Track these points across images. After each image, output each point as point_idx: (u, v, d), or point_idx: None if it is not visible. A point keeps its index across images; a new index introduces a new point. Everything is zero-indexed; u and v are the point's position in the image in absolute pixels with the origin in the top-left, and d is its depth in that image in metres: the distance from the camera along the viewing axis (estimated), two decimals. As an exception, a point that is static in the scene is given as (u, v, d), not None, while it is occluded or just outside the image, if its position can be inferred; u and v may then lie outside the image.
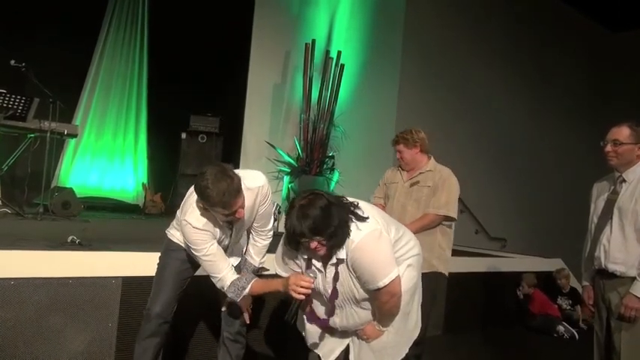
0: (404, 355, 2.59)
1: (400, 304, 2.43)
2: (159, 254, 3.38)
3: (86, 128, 6.71)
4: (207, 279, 2.84)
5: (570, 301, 6.09)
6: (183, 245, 2.70)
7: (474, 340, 5.17)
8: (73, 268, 3.11)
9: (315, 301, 2.53)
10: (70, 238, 3.51)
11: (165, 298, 2.69)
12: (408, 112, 7.85)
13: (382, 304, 2.38)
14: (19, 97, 4.59)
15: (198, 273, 2.84)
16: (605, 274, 2.89)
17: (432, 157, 3.64)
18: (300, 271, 2.44)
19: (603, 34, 11.19)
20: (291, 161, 7.18)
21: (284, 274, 2.49)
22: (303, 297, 2.34)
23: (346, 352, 2.62)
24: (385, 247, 2.34)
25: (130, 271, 3.28)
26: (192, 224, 2.51)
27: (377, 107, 7.81)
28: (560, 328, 5.62)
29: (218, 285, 2.58)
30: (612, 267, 2.83)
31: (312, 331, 2.65)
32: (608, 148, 2.87)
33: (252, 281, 2.55)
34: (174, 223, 2.80)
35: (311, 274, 2.37)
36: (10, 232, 3.71)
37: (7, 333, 2.87)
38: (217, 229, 2.58)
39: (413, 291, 2.57)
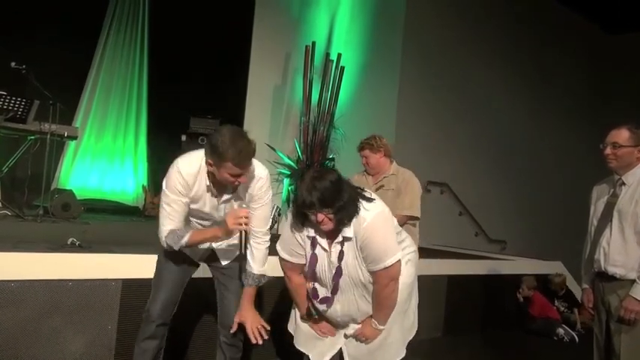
0: (403, 354, 2.59)
1: (397, 292, 2.45)
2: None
3: (86, 130, 6.71)
4: (205, 281, 2.85)
5: (567, 304, 6.09)
6: None
7: (473, 343, 5.17)
8: (73, 271, 3.12)
9: (317, 284, 2.53)
10: (70, 240, 3.51)
11: (164, 300, 2.68)
12: (408, 114, 7.86)
13: (381, 288, 2.40)
14: (19, 99, 4.59)
15: (197, 275, 2.84)
16: (604, 276, 2.89)
17: (395, 162, 3.83)
18: (303, 253, 2.47)
19: (602, 35, 11.20)
20: (291, 163, 7.19)
21: (288, 258, 2.52)
22: (247, 227, 2.39)
23: (340, 354, 2.62)
24: (392, 229, 2.44)
25: (129, 273, 3.28)
26: (179, 168, 2.48)
27: (377, 109, 7.81)
28: (560, 331, 5.62)
29: (159, 235, 2.55)
30: (612, 270, 2.83)
31: (303, 331, 2.65)
32: (608, 150, 2.87)
33: (191, 231, 2.52)
34: None
35: (243, 205, 2.48)
36: (10, 234, 3.71)
37: (7, 335, 2.87)
38: (198, 192, 2.52)
39: (411, 288, 2.59)
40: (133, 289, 3.27)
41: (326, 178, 2.27)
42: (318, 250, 2.44)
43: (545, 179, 9.99)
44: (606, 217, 2.91)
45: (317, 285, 2.52)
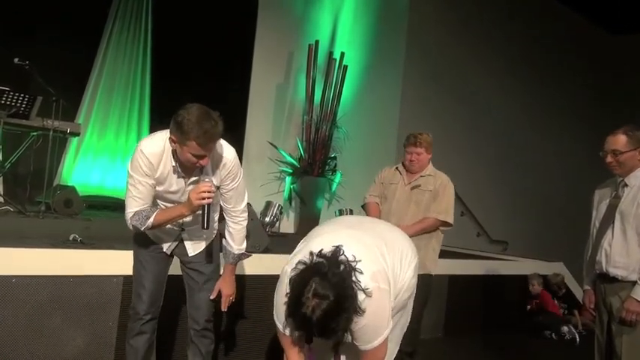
0: (395, 350, 2.57)
1: None
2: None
3: (89, 127, 6.72)
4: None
5: (566, 305, 6.09)
6: (147, 233, 2.63)
7: (474, 343, 5.16)
8: (75, 267, 3.12)
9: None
10: (72, 236, 3.52)
11: (148, 295, 2.65)
12: (410, 113, 7.85)
13: None
14: (22, 95, 4.59)
15: (178, 271, 2.80)
16: (606, 278, 2.89)
17: (431, 162, 3.72)
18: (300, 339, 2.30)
19: (605, 36, 11.18)
20: (294, 162, 7.19)
21: (286, 333, 2.30)
22: (210, 201, 2.36)
23: None
24: (386, 306, 2.26)
25: (131, 270, 3.26)
26: (142, 148, 2.43)
27: (379, 109, 7.81)
28: (565, 329, 5.66)
29: (125, 215, 2.50)
30: (613, 271, 2.83)
31: None
32: (609, 159, 2.86)
33: (157, 211, 2.49)
34: None
35: (206, 179, 2.42)
36: (13, 229, 3.72)
37: (7, 330, 2.87)
38: (164, 173, 2.47)
39: (411, 291, 2.57)
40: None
41: (319, 312, 1.99)
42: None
43: (548, 181, 9.97)
44: (608, 219, 2.90)
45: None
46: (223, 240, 2.75)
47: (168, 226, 2.60)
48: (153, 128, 7.12)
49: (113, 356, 3.19)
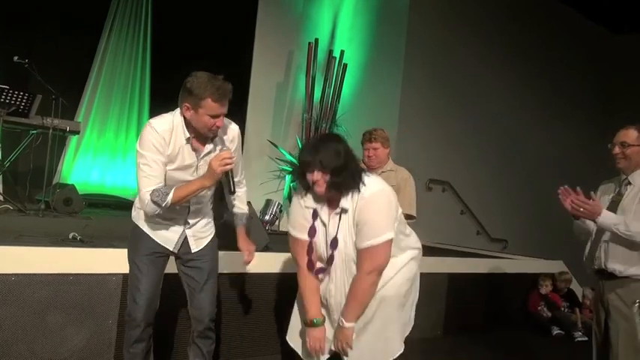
0: (401, 349, 2.53)
1: (374, 289, 2.42)
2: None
3: (88, 125, 6.71)
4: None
5: (568, 304, 6.10)
6: (143, 228, 2.64)
7: (474, 342, 5.16)
8: (74, 265, 3.12)
9: (314, 257, 2.51)
10: (72, 234, 3.52)
11: (145, 302, 2.59)
12: (410, 111, 7.85)
13: (363, 276, 2.37)
14: (21, 93, 4.59)
15: (172, 270, 2.79)
16: (604, 274, 2.90)
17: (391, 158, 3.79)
18: (308, 225, 2.48)
19: (607, 35, 11.17)
20: (293, 160, 7.19)
21: (299, 235, 2.51)
22: (232, 166, 2.42)
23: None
24: (392, 211, 2.42)
25: (130, 268, 3.28)
26: (153, 126, 2.47)
27: (379, 107, 7.80)
28: (578, 333, 5.67)
29: (141, 199, 2.47)
30: (612, 266, 2.85)
31: (303, 342, 2.60)
32: (616, 150, 2.90)
33: (174, 187, 2.47)
34: (136, 203, 2.69)
35: (225, 148, 2.54)
36: (12, 228, 3.73)
37: (7, 328, 2.88)
38: (174, 149, 2.49)
39: (410, 284, 2.58)
40: (133, 283, 3.27)
41: (330, 140, 2.40)
42: (317, 223, 2.46)
43: (548, 179, 9.95)
44: None
45: (313, 258, 2.50)
46: (235, 208, 2.87)
47: (172, 222, 2.62)
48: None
49: (112, 354, 3.19)
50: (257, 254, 3.73)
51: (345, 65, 7.31)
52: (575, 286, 6.38)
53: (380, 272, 2.40)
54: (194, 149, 2.53)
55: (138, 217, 2.68)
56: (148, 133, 2.46)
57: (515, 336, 5.58)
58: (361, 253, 2.37)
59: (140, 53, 7.15)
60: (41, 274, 2.99)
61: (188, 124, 2.49)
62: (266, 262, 3.81)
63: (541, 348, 5.38)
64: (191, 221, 2.68)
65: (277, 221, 6.51)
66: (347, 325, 2.40)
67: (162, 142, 2.45)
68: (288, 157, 7.16)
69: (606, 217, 2.75)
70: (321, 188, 2.35)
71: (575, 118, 10.59)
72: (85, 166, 6.71)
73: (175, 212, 2.60)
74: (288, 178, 7.19)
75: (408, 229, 2.65)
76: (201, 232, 2.73)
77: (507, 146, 9.38)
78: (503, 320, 5.79)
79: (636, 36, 10.80)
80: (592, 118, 10.70)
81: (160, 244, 2.65)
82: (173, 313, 3.41)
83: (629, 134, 2.88)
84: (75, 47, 6.23)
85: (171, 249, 2.67)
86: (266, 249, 4.13)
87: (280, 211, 6.37)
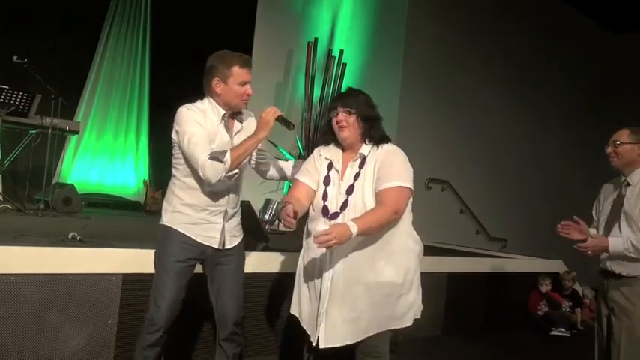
0: (372, 333, 2.45)
1: (390, 224, 2.42)
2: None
3: (88, 125, 6.71)
4: (200, 277, 2.82)
5: (571, 303, 6.10)
6: (179, 230, 2.63)
7: (473, 341, 5.17)
8: (74, 265, 3.12)
9: (327, 203, 2.52)
10: (71, 234, 3.51)
11: (167, 307, 2.58)
12: (409, 111, 7.85)
13: (382, 208, 2.37)
14: (21, 93, 4.59)
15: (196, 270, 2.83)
16: (610, 274, 2.92)
17: None
18: (315, 176, 2.57)
19: (605, 35, 11.16)
20: (293, 160, 7.18)
21: (299, 177, 2.61)
22: (282, 112, 2.57)
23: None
24: (409, 166, 2.52)
25: (130, 268, 3.28)
26: (187, 106, 2.61)
27: (378, 106, 7.70)
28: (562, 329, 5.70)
29: (201, 173, 2.48)
30: (618, 269, 2.88)
31: (305, 312, 2.59)
32: (609, 149, 2.96)
33: (229, 148, 2.55)
34: (168, 207, 2.72)
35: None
36: (11, 227, 3.71)
37: (6, 328, 2.87)
38: (210, 127, 2.59)
39: (412, 276, 2.52)
40: (133, 283, 3.27)
41: (362, 93, 2.58)
42: (332, 172, 2.54)
43: (547, 178, 9.98)
44: (613, 218, 2.95)
45: (327, 204, 2.52)
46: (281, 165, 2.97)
47: (213, 218, 2.66)
48: (152, 126, 7.13)
49: (112, 354, 3.19)
50: (256, 254, 3.76)
51: (345, 65, 7.30)
52: (575, 286, 6.38)
53: (399, 212, 2.41)
54: (226, 127, 2.64)
55: (174, 220, 2.67)
56: (185, 111, 2.58)
57: (514, 335, 5.58)
58: (385, 192, 2.39)
59: (139, 53, 7.16)
60: (41, 274, 2.99)
61: (218, 103, 2.62)
62: (266, 262, 3.81)
63: (541, 347, 5.39)
64: (230, 212, 2.72)
65: (277, 221, 6.50)
66: (352, 229, 2.25)
67: (200, 117, 2.57)
68: (288, 157, 7.15)
69: (615, 246, 2.79)
70: (343, 132, 2.48)
71: (575, 117, 10.60)
72: (85, 166, 6.71)
73: (218, 197, 2.64)
74: (287, 177, 7.18)
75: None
76: (234, 230, 2.78)
77: (507, 145, 9.38)
78: (502, 319, 5.80)
79: (634, 36, 10.79)
80: (592, 117, 10.70)
81: (194, 249, 2.64)
82: (192, 319, 3.43)
83: (622, 133, 2.95)
84: (74, 48, 6.23)
85: (216, 246, 2.68)
86: (266, 249, 4.12)
87: (281, 209, 6.36)
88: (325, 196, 2.52)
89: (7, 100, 4.50)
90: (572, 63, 10.57)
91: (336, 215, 2.46)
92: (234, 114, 2.70)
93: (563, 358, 5.09)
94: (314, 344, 2.46)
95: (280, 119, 2.57)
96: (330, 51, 7.42)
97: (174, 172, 2.72)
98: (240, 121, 2.73)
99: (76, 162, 6.63)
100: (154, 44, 7.16)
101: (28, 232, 3.56)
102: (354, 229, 2.26)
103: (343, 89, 7.26)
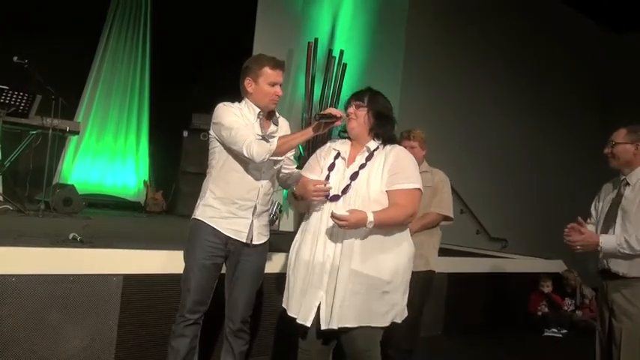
0: (354, 324, 2.42)
1: (404, 222, 2.49)
2: (160, 252, 3.38)
3: (88, 126, 6.72)
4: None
5: (573, 302, 6.09)
6: (209, 223, 2.71)
7: (473, 341, 5.17)
8: (74, 265, 3.12)
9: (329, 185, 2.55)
10: (72, 235, 3.50)
11: (192, 300, 2.69)
12: (410, 111, 7.83)
13: (402, 209, 2.43)
14: (21, 93, 4.59)
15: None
16: (608, 274, 2.92)
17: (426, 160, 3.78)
18: (318, 169, 2.62)
19: (607, 35, 11.16)
20: (293, 160, 7.18)
21: (307, 174, 2.64)
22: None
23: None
24: (415, 163, 2.58)
25: (130, 268, 3.28)
26: (223, 104, 2.72)
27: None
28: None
29: (246, 151, 2.57)
30: (615, 268, 2.87)
31: (293, 295, 2.57)
32: (607, 149, 2.96)
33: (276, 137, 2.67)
34: (198, 202, 2.81)
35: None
36: (12, 228, 3.71)
37: (7, 329, 2.87)
38: (245, 121, 2.68)
39: (400, 277, 2.50)
40: (133, 284, 3.27)
41: (380, 94, 2.61)
42: (338, 160, 2.60)
43: (547, 178, 9.98)
44: (611, 216, 2.94)
45: (329, 186, 2.55)
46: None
47: (242, 213, 2.72)
48: (152, 126, 7.13)
49: (113, 355, 3.19)
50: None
51: (345, 65, 7.30)
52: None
53: (412, 215, 2.48)
54: (261, 127, 2.73)
55: (204, 214, 2.75)
56: (223, 106, 2.71)
57: (515, 335, 5.59)
58: (400, 193, 2.44)
59: (140, 54, 7.16)
60: (41, 275, 2.99)
61: (253, 103, 2.73)
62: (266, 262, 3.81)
63: (541, 347, 5.39)
64: (259, 208, 2.76)
65: (277, 221, 6.51)
66: (370, 219, 2.35)
67: (237, 112, 2.69)
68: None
69: (606, 242, 2.78)
70: (351, 122, 2.56)
71: (576, 118, 10.59)
72: (85, 167, 6.72)
73: (248, 192, 2.72)
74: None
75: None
76: (262, 228, 2.82)
77: (508, 146, 9.37)
78: (503, 319, 5.80)
79: (634, 35, 10.78)
80: (592, 118, 10.70)
81: (221, 245, 2.71)
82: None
83: (619, 133, 2.94)
84: (74, 48, 6.23)
85: (244, 240, 2.73)
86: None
87: (280, 211, 6.36)
88: (327, 180, 2.56)
89: (7, 101, 4.50)
90: (572, 64, 10.56)
91: (336, 197, 2.51)
92: (269, 115, 2.81)
93: (565, 358, 5.09)
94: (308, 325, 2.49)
95: (322, 117, 2.60)
96: (330, 51, 7.41)
97: (209, 168, 2.81)
98: (276, 124, 2.82)
99: (76, 162, 6.63)
100: (155, 45, 7.17)
101: (28, 233, 3.57)
102: (371, 218, 2.35)
103: (343, 90, 7.33)
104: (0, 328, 2.86)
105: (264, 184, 2.77)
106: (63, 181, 6.00)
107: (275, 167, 2.81)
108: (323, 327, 2.44)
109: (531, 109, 9.79)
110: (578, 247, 2.81)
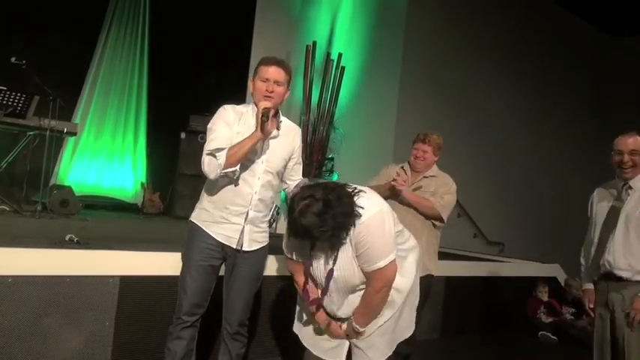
0: (389, 353, 2.55)
1: (385, 301, 2.44)
2: (157, 254, 3.38)
3: (85, 127, 6.69)
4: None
5: (574, 310, 6.07)
6: (202, 227, 2.71)
7: (471, 344, 5.17)
8: (71, 267, 3.11)
9: (310, 286, 2.51)
10: (68, 236, 3.50)
11: (189, 302, 2.69)
12: (408, 114, 7.86)
13: (374, 292, 2.38)
14: (18, 94, 4.57)
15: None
16: (611, 277, 2.92)
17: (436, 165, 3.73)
18: (302, 256, 2.48)
19: (606, 39, 11.20)
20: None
21: (294, 257, 2.52)
22: (270, 104, 2.59)
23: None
24: (389, 229, 2.37)
25: (127, 270, 3.28)
26: (224, 106, 2.73)
27: (377, 110, 7.81)
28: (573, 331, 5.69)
29: (202, 159, 2.59)
30: (619, 273, 2.87)
31: (307, 331, 2.63)
32: (626, 158, 2.89)
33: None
34: (198, 204, 2.82)
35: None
36: (8, 229, 3.71)
37: (3, 330, 2.86)
38: (246, 128, 2.65)
39: (405, 296, 2.53)
40: (130, 285, 3.27)
41: (309, 212, 2.16)
42: (314, 253, 2.42)
43: (544, 182, 10.00)
44: (611, 221, 2.94)
45: (310, 286, 2.50)
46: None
47: (233, 218, 2.68)
48: (150, 128, 7.11)
49: (109, 356, 3.18)
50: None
51: (343, 68, 7.31)
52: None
53: (390, 285, 2.42)
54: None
55: (198, 217, 2.76)
56: (220, 110, 2.72)
57: (512, 339, 5.59)
58: (369, 275, 2.38)
59: (137, 55, 7.15)
60: (38, 276, 2.98)
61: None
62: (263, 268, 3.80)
63: (538, 352, 5.39)
64: (251, 214, 2.72)
65: (275, 224, 6.50)
66: (361, 329, 2.46)
67: (233, 115, 2.69)
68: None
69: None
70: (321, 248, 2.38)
71: (574, 122, 10.62)
72: (82, 168, 6.69)
73: (241, 197, 2.68)
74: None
75: (406, 233, 2.61)
76: (255, 235, 2.78)
77: (505, 149, 9.39)
78: (500, 323, 5.80)
79: (635, 39, 10.82)
80: (590, 123, 10.73)
81: (216, 249, 2.70)
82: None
83: (636, 141, 2.88)
84: (72, 49, 6.22)
85: (234, 246, 2.71)
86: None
87: (278, 213, 6.35)
88: (308, 279, 2.51)
89: (4, 102, 4.49)
90: (572, 65, 10.60)
91: (317, 301, 2.49)
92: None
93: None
94: None
95: (264, 116, 2.57)
96: (328, 54, 7.42)
97: None
98: (278, 128, 2.75)
99: (73, 164, 6.61)
100: (152, 46, 7.16)
101: (25, 234, 3.56)
102: (364, 328, 2.46)
103: (341, 93, 7.34)
104: (-4, 329, 2.85)
105: (259, 190, 2.73)
106: (60, 183, 5.97)
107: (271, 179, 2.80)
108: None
109: (531, 114, 9.82)
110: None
